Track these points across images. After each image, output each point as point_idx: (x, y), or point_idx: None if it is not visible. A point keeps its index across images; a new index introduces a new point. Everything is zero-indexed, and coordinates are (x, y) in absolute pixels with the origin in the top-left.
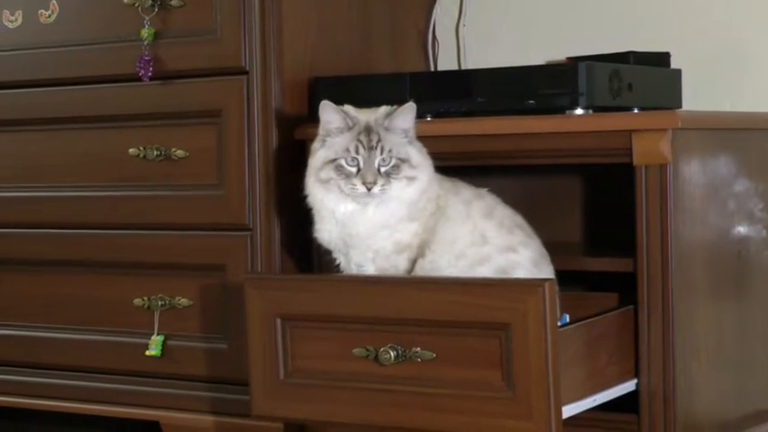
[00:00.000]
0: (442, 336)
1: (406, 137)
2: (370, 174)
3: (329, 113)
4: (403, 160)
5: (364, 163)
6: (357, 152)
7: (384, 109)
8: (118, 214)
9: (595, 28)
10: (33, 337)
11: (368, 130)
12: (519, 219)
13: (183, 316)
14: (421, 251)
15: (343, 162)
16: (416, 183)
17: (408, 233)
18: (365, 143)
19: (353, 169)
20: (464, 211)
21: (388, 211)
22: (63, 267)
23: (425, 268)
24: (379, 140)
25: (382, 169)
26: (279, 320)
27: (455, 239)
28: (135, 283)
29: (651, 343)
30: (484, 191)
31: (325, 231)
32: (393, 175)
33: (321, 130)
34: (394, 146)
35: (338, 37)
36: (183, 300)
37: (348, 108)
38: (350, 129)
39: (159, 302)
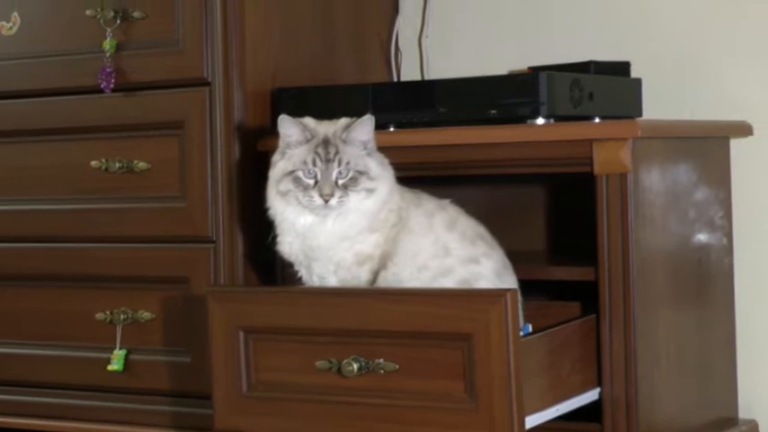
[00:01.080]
0: (404, 347)
1: (365, 149)
2: (327, 186)
3: (287, 127)
4: (361, 172)
5: (321, 175)
6: (314, 164)
7: (344, 121)
8: (80, 227)
9: (556, 38)
10: None
11: (326, 142)
12: (482, 229)
13: (145, 329)
14: (383, 263)
15: (300, 174)
16: (375, 194)
17: (369, 244)
18: (322, 155)
19: (311, 181)
20: (426, 222)
21: (348, 223)
22: (24, 281)
23: (388, 280)
24: (336, 153)
25: (340, 181)
26: (242, 333)
27: (418, 251)
28: (97, 296)
29: (613, 351)
30: (446, 202)
31: (286, 244)
32: (351, 188)
33: (281, 143)
34: (352, 158)
35: (301, 48)
36: (145, 313)
37: (307, 120)
38: (308, 141)
39: (122, 316)
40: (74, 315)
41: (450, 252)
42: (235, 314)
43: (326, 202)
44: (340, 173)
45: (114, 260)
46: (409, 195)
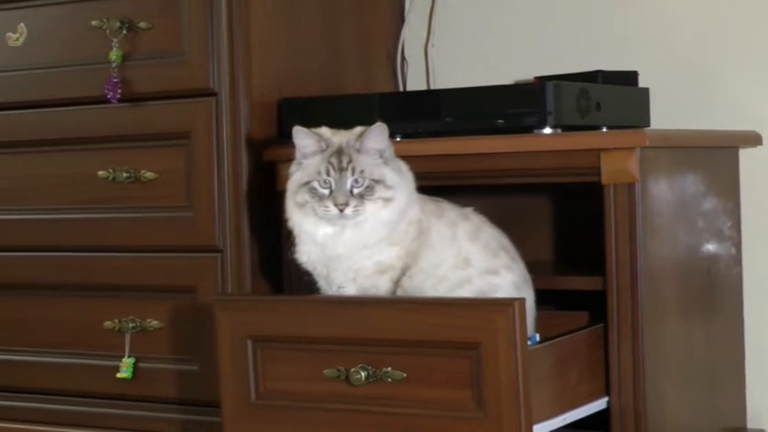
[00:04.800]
0: (412, 356)
1: (381, 157)
2: (342, 195)
3: (302, 137)
4: (377, 181)
5: (336, 185)
6: (328, 174)
7: (358, 129)
8: (88, 237)
9: (564, 47)
10: (3, 361)
11: (339, 151)
12: (505, 240)
13: (153, 338)
14: (404, 273)
15: (316, 184)
16: (393, 203)
17: (390, 256)
18: (336, 165)
19: (326, 191)
20: (449, 234)
21: (365, 232)
22: (33, 290)
23: (408, 290)
24: (350, 161)
25: (355, 191)
26: (249, 342)
27: (439, 263)
28: (105, 305)
29: (621, 361)
30: (469, 210)
31: (305, 253)
32: (367, 197)
33: (297, 154)
34: (366, 167)
35: (307, 58)
36: (154, 322)
37: (323, 130)
38: (323, 151)
39: (130, 324)
40: (83, 323)
41: (471, 263)
42: (242, 323)
43: (342, 211)
44: (355, 181)
45: (122, 269)
46: (430, 206)
